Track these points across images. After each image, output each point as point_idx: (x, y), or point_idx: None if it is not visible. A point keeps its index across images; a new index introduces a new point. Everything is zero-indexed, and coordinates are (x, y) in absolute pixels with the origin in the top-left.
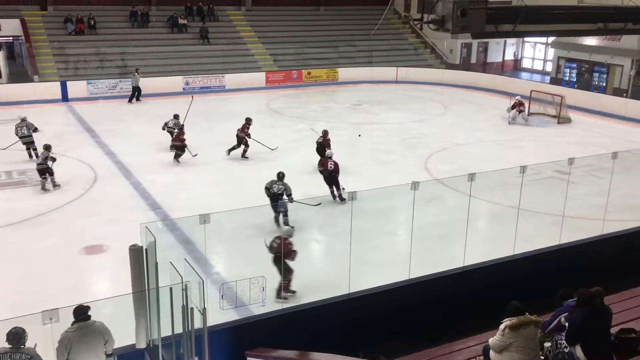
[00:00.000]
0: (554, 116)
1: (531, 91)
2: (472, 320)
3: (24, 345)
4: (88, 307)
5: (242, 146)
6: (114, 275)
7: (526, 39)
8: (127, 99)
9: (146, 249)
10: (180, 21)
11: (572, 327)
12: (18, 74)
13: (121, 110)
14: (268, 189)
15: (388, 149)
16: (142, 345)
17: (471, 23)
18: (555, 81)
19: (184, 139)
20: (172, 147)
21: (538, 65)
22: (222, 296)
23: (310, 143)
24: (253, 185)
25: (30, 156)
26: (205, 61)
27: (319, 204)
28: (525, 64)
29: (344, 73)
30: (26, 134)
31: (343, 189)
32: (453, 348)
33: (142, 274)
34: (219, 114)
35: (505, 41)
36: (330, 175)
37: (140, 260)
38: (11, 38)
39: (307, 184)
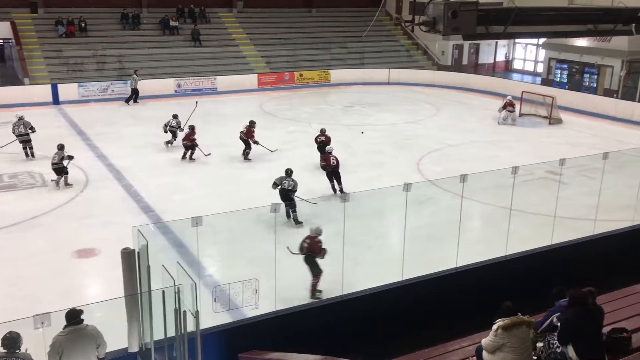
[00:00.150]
0: (545, 117)
1: (522, 92)
2: (465, 321)
3: (19, 350)
4: (80, 311)
5: (246, 149)
6: (106, 278)
7: (517, 40)
8: (124, 100)
9: (138, 252)
10: (172, 23)
11: (564, 327)
12: (8, 77)
13: (112, 113)
14: (277, 184)
15: (380, 150)
16: (135, 348)
17: (462, 25)
18: (546, 82)
19: (194, 139)
20: (183, 145)
21: (529, 67)
22: (215, 299)
23: (303, 145)
24: (246, 187)
25: (27, 155)
26: (197, 63)
27: (316, 203)
28: (517, 65)
29: (336, 75)
30: (23, 132)
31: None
32: (447, 349)
33: (134, 277)
34: (211, 117)
35: (496, 42)
36: (334, 170)
37: (133, 263)
38: (1, 41)
39: (307, 183)
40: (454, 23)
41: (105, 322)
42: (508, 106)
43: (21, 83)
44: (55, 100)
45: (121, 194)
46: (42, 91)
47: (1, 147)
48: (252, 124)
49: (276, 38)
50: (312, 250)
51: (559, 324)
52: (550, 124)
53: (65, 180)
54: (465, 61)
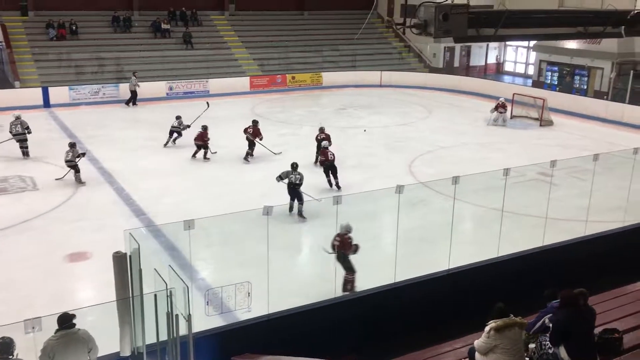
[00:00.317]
0: (536, 119)
1: (513, 94)
2: (458, 323)
3: (13, 355)
4: (73, 315)
5: (248, 150)
6: (98, 282)
7: (508, 42)
8: (125, 102)
9: (130, 256)
10: (163, 26)
11: (556, 328)
12: None
13: (104, 116)
14: (282, 177)
15: (373, 152)
16: (127, 353)
17: (453, 27)
18: (537, 84)
19: (207, 139)
20: (195, 145)
21: (520, 69)
22: (207, 302)
23: (294, 147)
24: (239, 190)
25: (24, 154)
26: (189, 66)
27: (320, 200)
28: (508, 67)
29: (328, 77)
30: (20, 132)
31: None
32: (439, 350)
33: (126, 280)
34: (203, 119)
35: (487, 45)
36: (332, 164)
37: (124, 267)
38: None
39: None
40: (445, 26)
41: (97, 326)
42: (500, 107)
43: (12, 86)
44: (46, 104)
45: (113, 197)
46: (33, 94)
47: None
48: (256, 123)
49: (268, 41)
50: (343, 248)
51: (551, 325)
52: (541, 125)
53: (79, 178)
54: (456, 63)
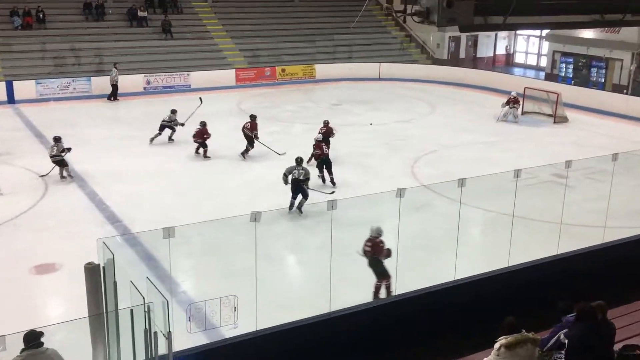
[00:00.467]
0: (550, 115)
1: (525, 88)
2: (464, 339)
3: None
4: (40, 333)
5: (248, 146)
6: (68, 296)
7: (518, 32)
8: (106, 97)
9: (104, 267)
10: (140, 13)
11: (572, 345)
12: None
13: (74, 113)
14: (286, 175)
15: (371, 152)
16: None
17: (458, 15)
18: (551, 77)
19: (207, 137)
20: (195, 142)
21: (532, 60)
22: (189, 318)
23: (285, 146)
24: (224, 193)
25: None
26: (169, 58)
27: (333, 192)
28: (518, 58)
29: (322, 70)
30: None
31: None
32: None
33: (99, 294)
34: (184, 117)
35: (496, 34)
36: (327, 158)
37: (97, 279)
38: None
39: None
40: (449, 13)
41: (67, 345)
42: (512, 102)
43: None
44: (11, 99)
45: (84, 202)
46: None
47: None
48: (253, 118)
49: (256, 30)
50: (375, 252)
51: (566, 341)
52: (555, 122)
53: (68, 172)
54: (462, 55)
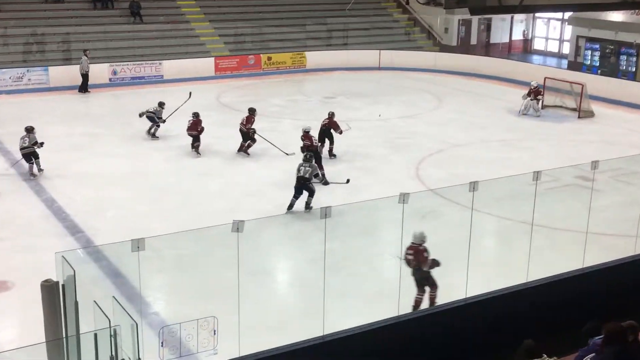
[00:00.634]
0: (573, 109)
1: (545, 78)
2: None
3: None
4: None
5: (249, 141)
6: (22, 319)
7: (537, 14)
8: (78, 89)
9: (63, 285)
10: None
11: None
12: None
13: (29, 107)
14: (299, 170)
15: (370, 152)
16: None
17: None
18: (574, 66)
19: (201, 129)
20: (190, 135)
21: (553, 47)
22: (162, 343)
23: (273, 146)
24: (202, 200)
25: None
26: (138, 44)
27: (348, 181)
28: (538, 45)
29: (314, 58)
30: None
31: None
32: None
33: (58, 316)
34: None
35: (512, 18)
36: (316, 151)
37: (56, 299)
38: None
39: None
40: None
41: None
42: (532, 93)
43: None
44: None
45: (41, 210)
46: None
47: None
48: (251, 111)
49: (238, 12)
50: (418, 262)
51: None
52: (579, 117)
53: (38, 165)
54: (473, 41)
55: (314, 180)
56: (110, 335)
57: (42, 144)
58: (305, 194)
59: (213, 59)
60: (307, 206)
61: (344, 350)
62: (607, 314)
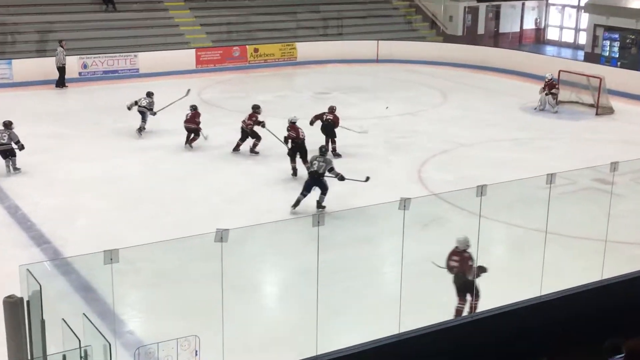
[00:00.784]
0: (591, 105)
1: (559, 72)
2: None
3: None
4: None
5: (254, 140)
6: None
7: (551, 1)
8: (55, 84)
9: (28, 301)
10: None
11: None
12: None
13: None
14: (309, 166)
15: (368, 152)
16: None
17: None
18: (592, 58)
19: (199, 122)
20: (189, 129)
21: (568, 37)
22: None
23: (264, 146)
24: (181, 206)
25: None
26: (110, 35)
27: (368, 178)
28: (551, 34)
29: (305, 49)
30: None
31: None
32: None
33: (22, 336)
34: (131, 110)
35: (523, 4)
36: (302, 144)
37: (20, 316)
38: None
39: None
40: None
41: None
42: (547, 87)
43: None
44: None
45: (2, 218)
46: None
47: None
48: (255, 108)
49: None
50: (463, 269)
51: None
52: (597, 114)
53: (14, 163)
54: (481, 30)
55: (328, 175)
56: (81, 357)
57: (22, 146)
58: (311, 193)
59: (194, 50)
60: (319, 205)
61: None
62: (628, 331)
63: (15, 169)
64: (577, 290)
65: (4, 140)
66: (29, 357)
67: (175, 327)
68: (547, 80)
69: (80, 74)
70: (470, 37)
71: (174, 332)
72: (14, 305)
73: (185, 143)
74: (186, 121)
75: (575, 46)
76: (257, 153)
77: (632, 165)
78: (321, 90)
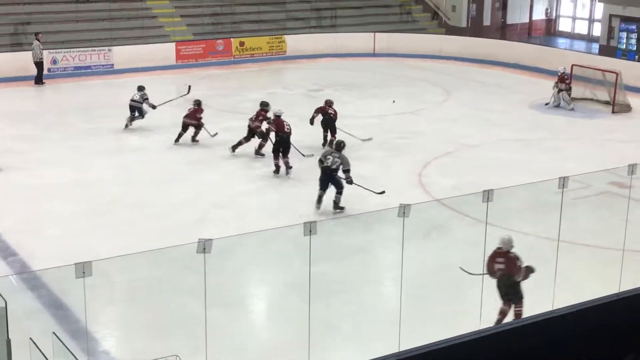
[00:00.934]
0: (607, 102)
1: (572, 66)
2: None
3: None
4: None
5: (260, 140)
6: None
7: None
8: (34, 82)
9: None
10: None
11: None
12: None
13: None
14: (322, 161)
15: (365, 155)
16: None
17: None
18: (607, 51)
19: (201, 117)
20: (187, 125)
21: (581, 28)
22: None
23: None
24: (161, 212)
25: None
26: (82, 27)
27: (383, 192)
28: (563, 25)
29: (295, 43)
30: None
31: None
32: None
33: None
34: (106, 109)
35: None
36: (287, 139)
37: None
38: None
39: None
40: None
41: None
42: (559, 82)
43: None
44: None
45: None
46: None
47: None
48: (263, 105)
49: None
50: (509, 271)
51: None
52: (613, 112)
53: None
54: (487, 21)
55: (340, 174)
56: None
57: None
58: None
59: (174, 44)
60: (336, 205)
61: None
62: None
63: None
64: (593, 303)
65: None
66: None
67: (154, 346)
68: (560, 75)
69: (49, 70)
70: (475, 28)
71: (153, 351)
72: None
73: (176, 140)
74: (186, 116)
75: (589, 38)
76: (262, 155)
77: None
78: (313, 87)
